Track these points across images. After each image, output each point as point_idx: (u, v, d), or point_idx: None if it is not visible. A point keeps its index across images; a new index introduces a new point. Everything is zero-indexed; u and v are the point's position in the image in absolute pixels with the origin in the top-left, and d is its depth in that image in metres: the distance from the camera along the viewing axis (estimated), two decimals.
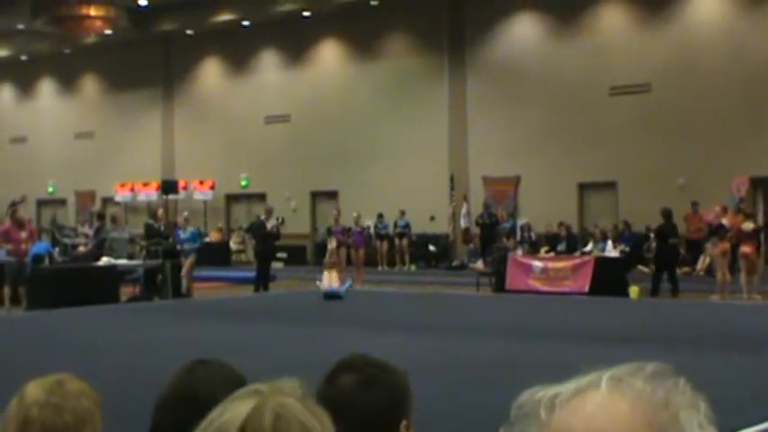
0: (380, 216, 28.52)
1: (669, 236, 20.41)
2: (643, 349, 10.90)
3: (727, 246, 19.27)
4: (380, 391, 2.25)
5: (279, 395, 1.17)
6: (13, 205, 21.94)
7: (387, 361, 2.36)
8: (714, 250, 20.39)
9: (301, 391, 1.21)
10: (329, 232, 23.87)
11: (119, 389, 7.93)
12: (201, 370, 2.30)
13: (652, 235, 21.84)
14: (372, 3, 30.03)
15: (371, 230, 28.10)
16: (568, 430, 0.94)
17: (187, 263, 21.45)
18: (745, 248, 18.90)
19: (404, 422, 2.25)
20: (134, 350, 12.11)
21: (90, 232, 24.07)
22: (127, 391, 8.26)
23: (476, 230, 27.62)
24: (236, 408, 1.15)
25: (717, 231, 19.92)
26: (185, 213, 24.35)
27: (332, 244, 22.05)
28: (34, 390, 2.27)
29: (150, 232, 21.41)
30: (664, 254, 20.37)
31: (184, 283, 21.34)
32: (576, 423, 0.94)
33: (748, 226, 19.33)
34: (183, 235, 21.75)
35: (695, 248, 23.65)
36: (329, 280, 19.21)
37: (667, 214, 20.64)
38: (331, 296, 19.02)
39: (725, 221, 19.65)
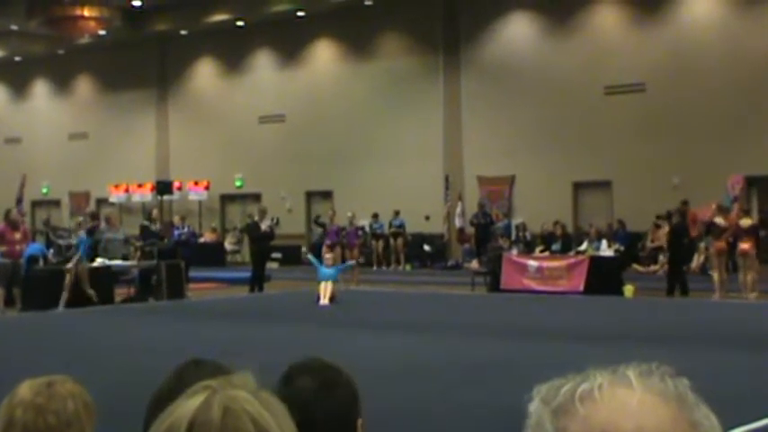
0: (375, 216, 28.53)
1: (684, 235, 20.26)
2: (639, 348, 10.90)
3: (722, 244, 19.24)
4: (339, 392, 2.31)
5: (229, 389, 1.16)
6: (20, 202, 21.89)
7: (337, 363, 2.41)
8: (710, 249, 20.36)
9: (254, 385, 1.20)
10: (316, 223, 23.82)
11: (114, 390, 7.92)
12: (196, 370, 2.29)
13: (666, 229, 21.24)
14: (367, 2, 30.02)
15: (366, 230, 28.13)
16: (616, 428, 0.93)
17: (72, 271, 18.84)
18: (744, 246, 18.87)
19: (360, 421, 2.32)
20: (129, 351, 12.09)
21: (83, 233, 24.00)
22: (122, 391, 8.25)
23: (471, 230, 27.65)
24: (186, 404, 1.14)
25: (710, 230, 19.88)
26: (80, 218, 21.60)
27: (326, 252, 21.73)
28: (23, 390, 2.27)
29: (145, 233, 21.38)
30: (680, 252, 20.18)
31: (65, 294, 18.55)
32: (625, 422, 0.93)
33: (746, 222, 19.31)
34: (73, 239, 20.14)
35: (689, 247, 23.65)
36: (324, 292, 18.86)
37: (683, 213, 20.46)
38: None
39: (717, 220, 19.62)
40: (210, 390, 1.16)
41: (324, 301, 18.36)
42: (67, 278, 18.62)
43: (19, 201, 28.11)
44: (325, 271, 18.99)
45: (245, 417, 1.12)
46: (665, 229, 21.27)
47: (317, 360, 2.40)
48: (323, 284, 18.63)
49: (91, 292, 18.79)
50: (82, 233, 19.76)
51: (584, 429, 0.95)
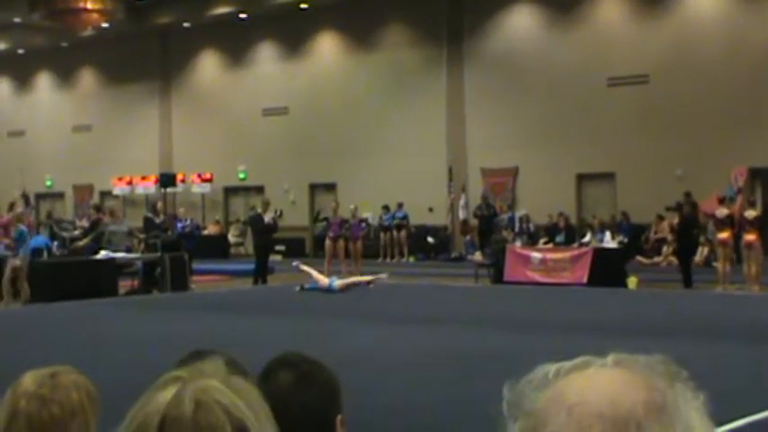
0: (386, 207, 28.49)
1: (694, 225, 20.18)
2: (642, 340, 10.90)
3: (724, 236, 19.21)
4: (318, 386, 2.30)
5: (200, 379, 1.14)
6: (25, 196, 21.83)
7: (318, 359, 2.40)
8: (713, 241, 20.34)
9: (225, 372, 1.18)
10: (317, 216, 23.89)
11: (118, 381, 7.93)
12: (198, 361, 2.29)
13: (675, 219, 21.06)
14: None
15: (373, 222, 28.12)
16: (560, 396, 0.95)
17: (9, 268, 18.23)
18: (749, 237, 18.83)
19: (339, 416, 2.31)
20: (133, 343, 12.11)
21: (87, 225, 24.08)
22: (125, 383, 8.27)
23: (474, 222, 27.64)
24: (156, 397, 1.12)
25: (715, 222, 19.84)
26: (19, 209, 20.59)
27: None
28: (26, 381, 2.27)
29: (149, 226, 21.41)
30: (689, 244, 20.08)
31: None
32: (571, 390, 0.95)
33: (752, 214, 19.26)
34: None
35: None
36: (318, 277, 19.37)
37: (693, 204, 20.37)
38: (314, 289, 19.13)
39: (718, 212, 19.59)
40: (181, 381, 1.13)
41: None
42: (7, 273, 18.13)
43: (26, 201, 28.01)
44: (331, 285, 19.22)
45: (218, 408, 1.10)
46: (675, 219, 21.13)
47: (296, 354, 2.40)
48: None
49: (26, 287, 18.26)
50: (22, 226, 18.77)
51: (555, 397, 0.96)
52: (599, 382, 0.96)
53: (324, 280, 19.77)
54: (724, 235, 19.03)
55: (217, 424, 1.10)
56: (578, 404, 0.93)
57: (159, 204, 23.05)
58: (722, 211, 19.43)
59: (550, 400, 0.95)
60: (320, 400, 2.29)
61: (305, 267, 20.69)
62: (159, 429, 1.09)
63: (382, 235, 28.73)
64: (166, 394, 1.12)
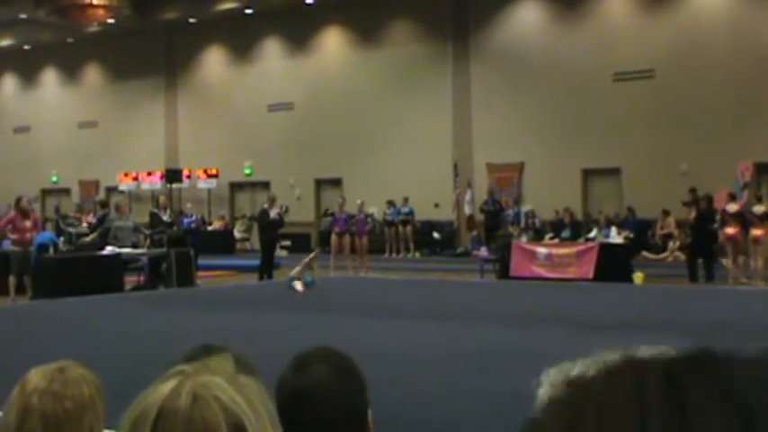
0: (390, 203, 28.48)
1: (710, 222, 20.10)
2: (649, 335, 10.90)
3: (733, 231, 19.16)
4: (355, 380, 2.33)
5: (202, 374, 1.14)
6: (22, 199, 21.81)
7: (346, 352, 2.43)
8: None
9: (232, 369, 1.17)
10: (325, 214, 23.86)
11: (125, 377, 7.94)
12: (206, 357, 2.29)
13: (693, 215, 20.89)
14: None
15: (379, 217, 28.12)
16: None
17: None
18: (756, 232, 18.80)
19: (369, 410, 2.34)
20: (140, 338, 12.12)
21: (94, 221, 24.11)
22: (133, 378, 8.28)
23: (480, 217, 27.64)
24: (158, 389, 1.13)
25: (725, 217, 19.78)
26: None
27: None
28: (35, 377, 2.26)
29: (154, 221, 21.41)
30: (703, 239, 19.99)
31: None
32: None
33: (759, 209, 19.23)
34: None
35: None
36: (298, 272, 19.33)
37: (709, 199, 20.28)
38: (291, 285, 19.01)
39: (728, 207, 19.54)
40: (183, 375, 1.14)
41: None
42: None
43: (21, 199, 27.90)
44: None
45: (215, 404, 1.10)
46: (692, 214, 20.95)
47: (327, 348, 2.40)
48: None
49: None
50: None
51: None
52: None
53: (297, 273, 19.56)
54: (732, 230, 18.97)
55: (211, 420, 1.09)
56: None
57: (162, 198, 23.02)
58: (733, 207, 19.38)
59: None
60: (358, 394, 2.31)
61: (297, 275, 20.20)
62: (155, 421, 1.09)
63: (386, 230, 28.73)
64: (166, 387, 1.12)
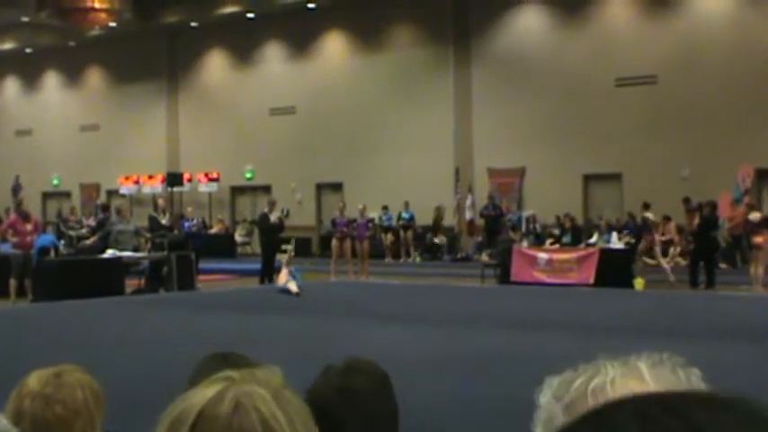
0: (385, 208, 28.50)
1: (712, 228, 20.14)
2: (650, 341, 10.86)
3: (760, 240, 19.08)
4: (392, 392, 2.41)
5: (247, 383, 1.13)
6: (16, 193, 21.83)
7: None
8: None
9: (278, 382, 1.17)
10: (333, 224, 23.83)
11: (125, 380, 7.93)
12: (224, 364, 2.28)
13: (696, 221, 20.89)
14: None
15: (376, 222, 28.09)
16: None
17: None
18: (758, 239, 18.84)
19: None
20: (141, 342, 12.12)
21: (94, 224, 24.11)
22: (132, 382, 8.27)
23: (481, 222, 27.62)
24: (202, 392, 1.12)
25: (749, 227, 19.84)
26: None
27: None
28: (31, 381, 2.27)
29: (153, 224, 21.41)
30: (705, 245, 20.00)
31: None
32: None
33: (756, 216, 19.24)
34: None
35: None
36: (283, 278, 19.34)
37: (713, 205, 20.36)
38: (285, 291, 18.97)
39: (752, 217, 19.58)
40: (229, 381, 1.13)
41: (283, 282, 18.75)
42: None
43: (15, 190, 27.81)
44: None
45: (255, 415, 1.09)
46: (696, 219, 20.94)
47: (361, 360, 2.45)
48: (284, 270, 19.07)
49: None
50: None
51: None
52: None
53: (284, 279, 19.52)
54: (760, 239, 18.96)
55: (249, 430, 1.09)
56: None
57: (160, 201, 22.95)
58: (755, 215, 19.41)
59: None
60: (396, 403, 2.40)
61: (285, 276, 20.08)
62: (194, 424, 1.09)
63: (383, 235, 28.70)
64: (209, 391, 1.12)
